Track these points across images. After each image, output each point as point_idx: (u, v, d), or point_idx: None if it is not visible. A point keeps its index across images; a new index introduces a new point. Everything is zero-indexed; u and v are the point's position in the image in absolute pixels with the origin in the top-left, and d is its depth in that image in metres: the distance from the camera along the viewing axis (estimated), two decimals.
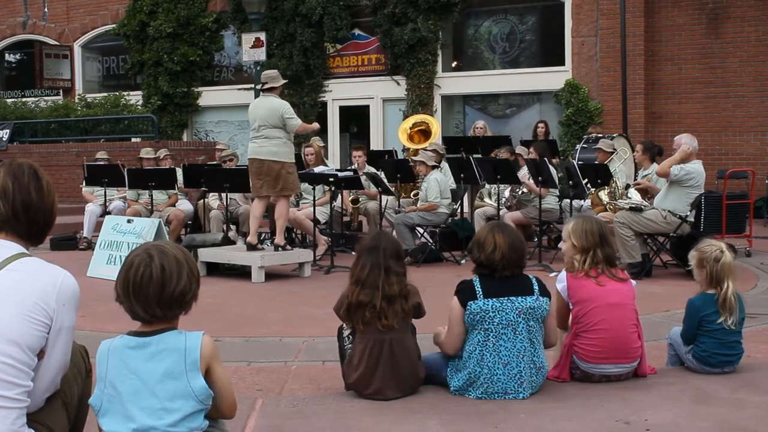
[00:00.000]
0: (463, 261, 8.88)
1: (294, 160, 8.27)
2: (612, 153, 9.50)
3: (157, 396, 2.38)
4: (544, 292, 3.82)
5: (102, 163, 11.34)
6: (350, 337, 3.93)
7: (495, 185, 9.27)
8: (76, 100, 17.70)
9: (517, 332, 3.70)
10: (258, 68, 14.74)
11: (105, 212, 10.31)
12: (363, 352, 3.75)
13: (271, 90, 8.14)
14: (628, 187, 9.18)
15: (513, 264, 3.77)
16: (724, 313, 4.05)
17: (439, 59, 15.42)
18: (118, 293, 2.43)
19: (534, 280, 3.83)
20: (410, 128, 11.62)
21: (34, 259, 2.37)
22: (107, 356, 2.44)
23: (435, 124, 11.79)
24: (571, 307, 4.02)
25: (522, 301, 3.72)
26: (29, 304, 2.24)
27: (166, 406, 2.38)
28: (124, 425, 2.38)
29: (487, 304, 3.69)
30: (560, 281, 4.05)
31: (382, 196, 9.49)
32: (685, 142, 7.79)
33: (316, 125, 8.81)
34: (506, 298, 3.71)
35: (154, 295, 2.38)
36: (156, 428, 2.37)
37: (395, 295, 3.73)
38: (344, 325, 3.98)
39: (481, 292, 3.71)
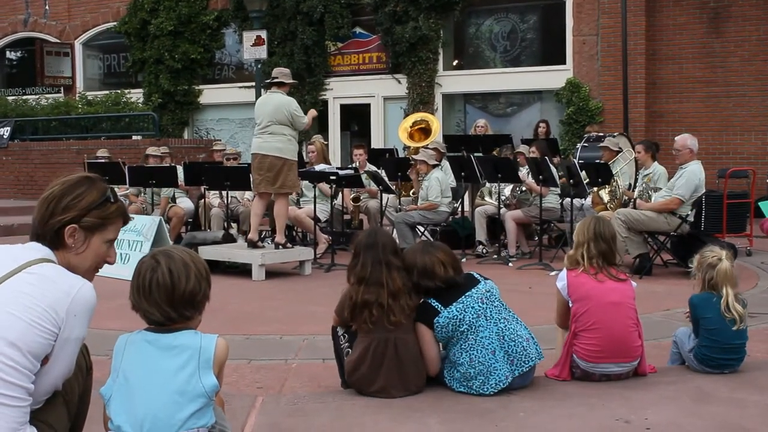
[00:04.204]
0: (463, 260, 8.87)
1: (296, 159, 8.26)
2: (618, 152, 9.50)
3: (168, 390, 2.42)
4: (485, 277, 3.93)
5: (103, 160, 11.35)
6: (345, 335, 3.91)
7: (496, 184, 9.27)
8: (77, 98, 17.70)
9: (489, 317, 3.78)
10: (259, 66, 14.74)
11: None
12: (366, 351, 3.71)
13: (279, 86, 8.15)
14: (630, 187, 9.17)
15: (456, 272, 3.86)
16: (730, 316, 4.04)
17: (440, 58, 15.42)
18: (133, 301, 2.52)
19: (473, 273, 3.95)
20: (410, 126, 11.61)
21: (55, 266, 2.33)
22: (124, 348, 2.52)
23: (435, 122, 11.77)
24: (570, 305, 4.02)
25: (476, 291, 3.81)
26: (38, 310, 2.20)
27: (177, 400, 2.42)
28: (132, 416, 2.41)
29: (451, 311, 3.75)
30: (560, 279, 4.08)
31: (383, 195, 9.50)
32: (691, 144, 7.79)
33: (312, 112, 8.79)
34: (462, 296, 3.78)
35: (165, 298, 2.47)
36: (163, 421, 2.40)
37: (399, 289, 3.72)
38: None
39: (440, 306, 3.77)
